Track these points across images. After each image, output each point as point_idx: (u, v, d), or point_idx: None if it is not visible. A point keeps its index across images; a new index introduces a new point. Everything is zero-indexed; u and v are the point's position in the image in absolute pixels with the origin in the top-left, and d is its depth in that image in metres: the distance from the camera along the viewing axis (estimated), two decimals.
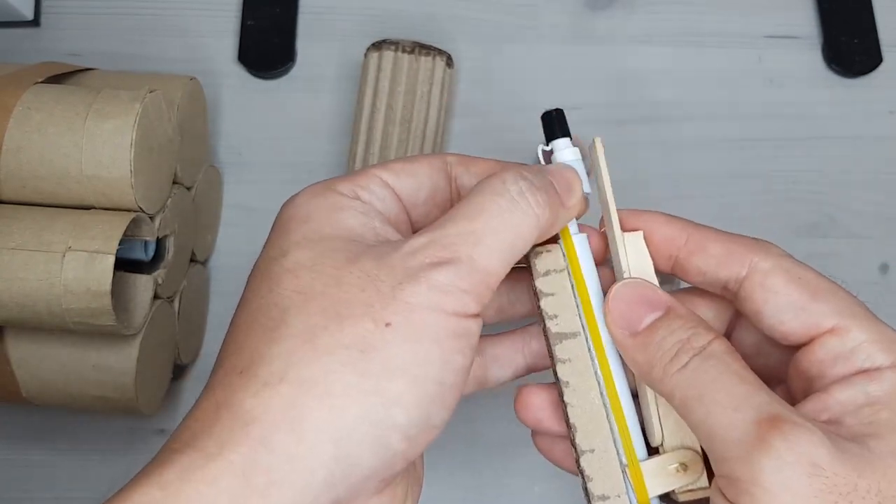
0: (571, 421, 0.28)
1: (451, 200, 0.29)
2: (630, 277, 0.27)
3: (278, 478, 0.21)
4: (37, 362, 0.37)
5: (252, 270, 0.26)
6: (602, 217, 0.29)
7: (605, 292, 0.27)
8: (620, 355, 0.27)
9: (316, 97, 0.47)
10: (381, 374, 0.23)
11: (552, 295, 0.29)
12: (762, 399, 0.23)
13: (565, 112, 0.30)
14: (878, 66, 0.47)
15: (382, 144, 0.42)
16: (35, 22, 0.48)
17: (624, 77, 0.47)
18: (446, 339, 0.24)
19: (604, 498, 0.27)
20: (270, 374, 0.22)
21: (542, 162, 0.30)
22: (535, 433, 0.30)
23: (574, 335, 0.28)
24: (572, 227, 0.29)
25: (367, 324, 0.23)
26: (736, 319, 0.29)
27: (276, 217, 0.27)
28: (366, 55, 0.44)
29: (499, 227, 0.25)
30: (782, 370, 0.27)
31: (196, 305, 0.43)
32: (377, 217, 0.27)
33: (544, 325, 0.28)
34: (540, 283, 0.29)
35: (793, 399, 0.26)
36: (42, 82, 0.36)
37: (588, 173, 0.29)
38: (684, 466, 0.27)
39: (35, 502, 0.43)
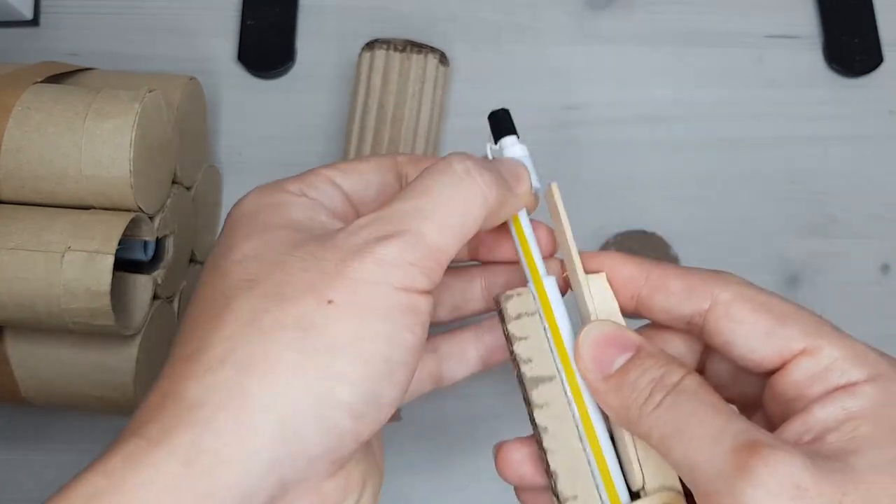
0: (552, 468, 0.27)
1: None
2: (597, 319, 0.27)
3: (222, 460, 0.21)
4: (36, 362, 0.37)
5: (203, 267, 0.26)
6: (563, 262, 0.29)
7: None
8: None
9: (316, 97, 0.47)
10: (324, 351, 0.23)
11: (525, 339, 0.28)
12: (738, 427, 0.23)
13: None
14: (878, 66, 0.47)
15: (374, 143, 0.42)
16: (34, 21, 0.48)
17: (624, 77, 0.47)
18: (393, 315, 0.24)
19: None
20: (213, 359, 0.23)
21: (491, 156, 0.30)
22: (519, 489, 0.29)
23: (550, 378, 0.28)
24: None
25: (310, 302, 0.23)
26: (707, 351, 0.29)
27: (227, 215, 0.27)
28: (360, 55, 0.44)
29: (445, 203, 0.25)
30: (758, 396, 0.27)
31: None
32: (323, 211, 0.27)
33: (519, 370, 0.28)
34: (512, 328, 0.28)
35: (771, 423, 0.25)
36: (41, 82, 0.36)
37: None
38: None
39: (34, 503, 0.43)
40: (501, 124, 0.31)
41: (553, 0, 0.49)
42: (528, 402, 0.28)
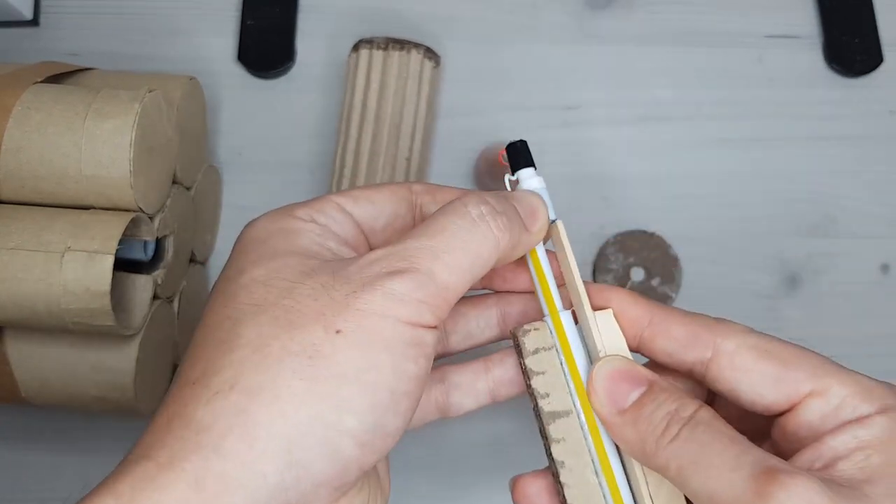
0: (570, 502, 0.28)
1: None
2: (608, 355, 0.27)
3: (230, 483, 0.22)
4: (36, 362, 0.37)
5: (211, 290, 0.26)
6: (571, 297, 0.29)
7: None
8: None
9: (315, 97, 0.47)
10: (330, 379, 0.23)
11: (543, 374, 0.29)
12: (756, 456, 0.23)
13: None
14: (878, 66, 0.47)
15: (358, 141, 0.42)
16: (34, 22, 0.48)
17: (624, 77, 0.47)
18: (398, 347, 0.24)
19: None
20: (221, 383, 0.23)
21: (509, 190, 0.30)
22: None
23: (567, 413, 0.28)
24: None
25: (318, 331, 0.23)
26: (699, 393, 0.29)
27: (237, 239, 0.27)
28: (348, 57, 0.44)
29: (458, 245, 0.25)
30: (766, 428, 0.27)
31: (195, 306, 0.43)
32: (333, 238, 0.27)
33: (536, 405, 0.28)
34: (530, 362, 0.29)
35: (781, 455, 0.25)
36: (41, 82, 0.36)
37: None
38: None
39: (34, 503, 0.43)
40: (519, 156, 0.31)
41: (553, 0, 0.49)
42: (544, 436, 0.28)
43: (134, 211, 0.35)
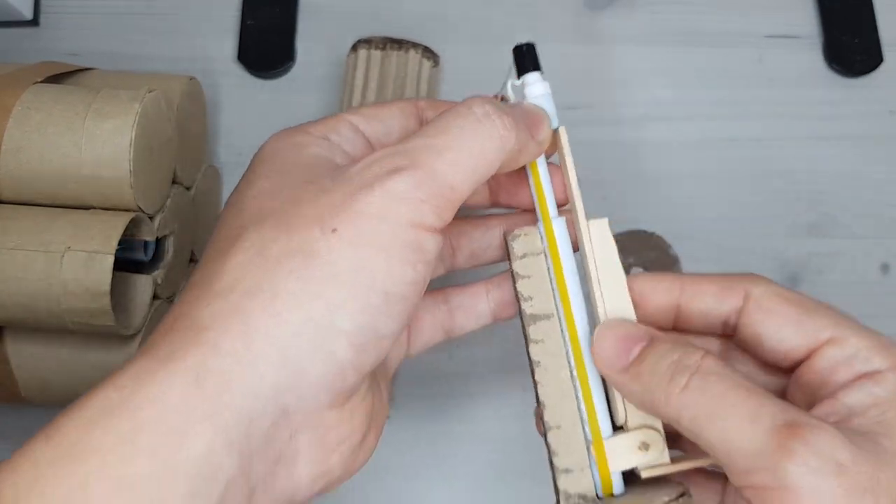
0: (541, 399, 0.29)
1: None
2: (606, 320, 0.28)
3: (229, 381, 0.22)
4: (36, 362, 0.37)
5: (224, 204, 0.27)
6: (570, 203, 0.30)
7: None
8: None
9: (315, 97, 0.47)
10: (324, 280, 0.23)
11: (528, 277, 0.29)
12: (776, 408, 0.23)
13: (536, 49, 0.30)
14: (878, 66, 0.47)
15: None
16: (34, 21, 0.48)
17: (624, 77, 0.47)
18: (396, 250, 0.24)
19: (567, 471, 0.28)
20: (223, 286, 0.23)
21: (512, 96, 0.30)
22: None
23: (548, 317, 0.29)
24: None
25: (314, 231, 0.23)
26: (729, 354, 0.29)
27: (253, 156, 0.28)
28: (346, 57, 0.44)
29: (462, 143, 0.25)
30: (781, 393, 0.28)
31: None
32: (343, 155, 0.27)
33: (519, 307, 0.29)
34: (517, 266, 0.30)
35: None
36: (41, 82, 0.36)
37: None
38: (646, 445, 0.28)
39: None
40: (526, 59, 0.29)
41: (553, 1, 0.49)
42: (525, 337, 0.29)
43: (134, 211, 0.35)
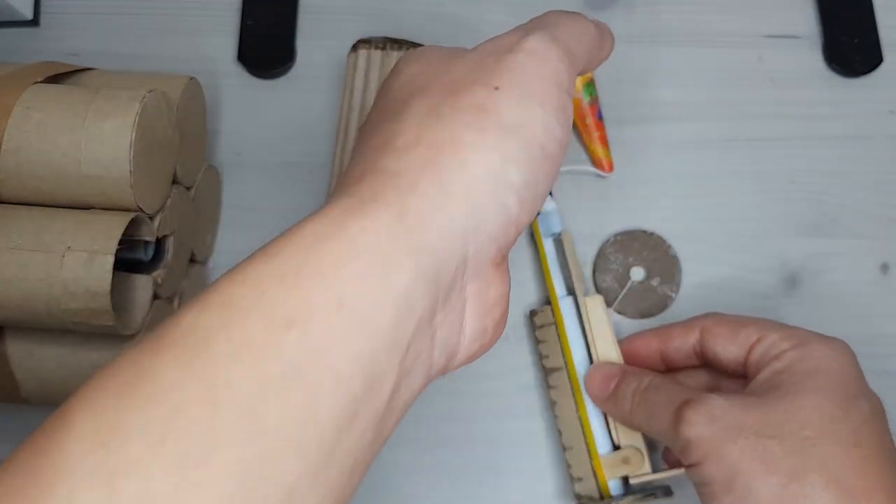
0: (559, 427, 0.41)
1: None
2: (598, 362, 0.40)
3: (426, 222, 0.23)
4: (36, 362, 0.37)
5: (376, 96, 0.29)
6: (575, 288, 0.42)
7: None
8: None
9: (316, 97, 0.47)
10: (496, 131, 0.24)
11: (545, 342, 0.42)
12: (680, 395, 0.34)
13: None
14: (878, 66, 0.47)
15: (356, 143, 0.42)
16: (34, 21, 0.48)
17: (624, 77, 0.47)
18: (548, 105, 0.25)
19: (579, 479, 0.40)
20: (406, 142, 0.24)
21: None
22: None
23: (559, 369, 0.41)
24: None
25: (479, 90, 0.25)
26: (718, 379, 0.39)
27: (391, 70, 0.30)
28: (347, 57, 0.44)
29: (568, 20, 0.29)
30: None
31: None
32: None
33: (541, 361, 0.42)
34: (537, 333, 0.43)
35: None
36: (41, 82, 0.36)
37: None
38: (627, 459, 0.39)
39: None
40: None
41: (553, 0, 0.49)
42: (546, 383, 0.42)
43: (134, 211, 0.35)
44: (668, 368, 0.40)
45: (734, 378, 0.37)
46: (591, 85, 0.45)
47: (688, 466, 0.34)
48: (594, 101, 0.45)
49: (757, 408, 0.32)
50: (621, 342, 0.41)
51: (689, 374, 0.40)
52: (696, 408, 0.33)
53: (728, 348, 0.36)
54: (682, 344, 0.38)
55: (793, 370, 0.34)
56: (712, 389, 0.38)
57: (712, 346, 0.37)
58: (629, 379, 0.37)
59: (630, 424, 0.37)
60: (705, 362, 0.38)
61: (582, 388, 0.40)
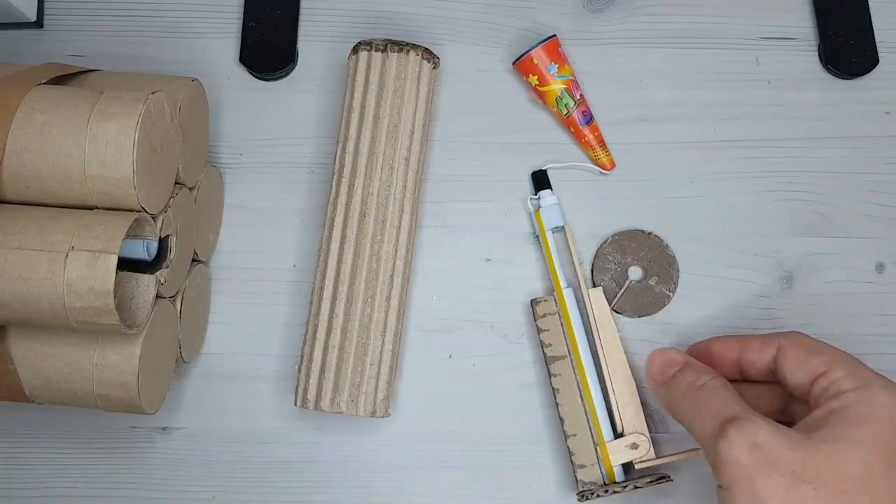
0: (561, 416, 0.42)
1: None
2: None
3: None
4: (40, 361, 0.37)
5: None
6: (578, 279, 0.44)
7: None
8: (596, 370, 0.42)
9: (317, 98, 0.48)
10: None
11: (548, 331, 0.43)
12: (730, 408, 0.34)
13: None
14: (874, 68, 0.47)
15: (357, 142, 0.42)
16: (38, 24, 0.49)
17: (623, 77, 0.48)
18: None
19: (582, 466, 0.41)
20: None
21: (531, 206, 0.46)
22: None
23: (562, 357, 0.43)
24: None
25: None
26: (788, 398, 0.39)
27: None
28: (348, 59, 0.44)
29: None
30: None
31: (198, 304, 0.43)
32: None
33: (543, 351, 0.43)
34: (540, 323, 0.43)
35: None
36: (45, 83, 0.37)
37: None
38: (635, 445, 0.41)
39: (38, 500, 0.43)
40: (540, 181, 0.46)
41: (551, 2, 0.49)
42: (548, 372, 0.43)
43: (137, 211, 0.35)
44: (745, 379, 0.39)
45: (804, 403, 0.36)
46: (561, 99, 0.45)
47: (718, 486, 0.34)
48: (570, 112, 0.46)
49: (802, 446, 0.32)
50: (700, 341, 0.41)
51: (766, 388, 0.39)
52: (741, 427, 0.32)
53: (796, 373, 0.36)
54: (758, 358, 0.38)
55: (847, 414, 0.33)
56: (783, 410, 0.39)
57: (783, 368, 0.37)
58: (688, 372, 0.37)
59: (674, 415, 0.37)
60: (777, 380, 0.38)
61: (587, 376, 0.42)
